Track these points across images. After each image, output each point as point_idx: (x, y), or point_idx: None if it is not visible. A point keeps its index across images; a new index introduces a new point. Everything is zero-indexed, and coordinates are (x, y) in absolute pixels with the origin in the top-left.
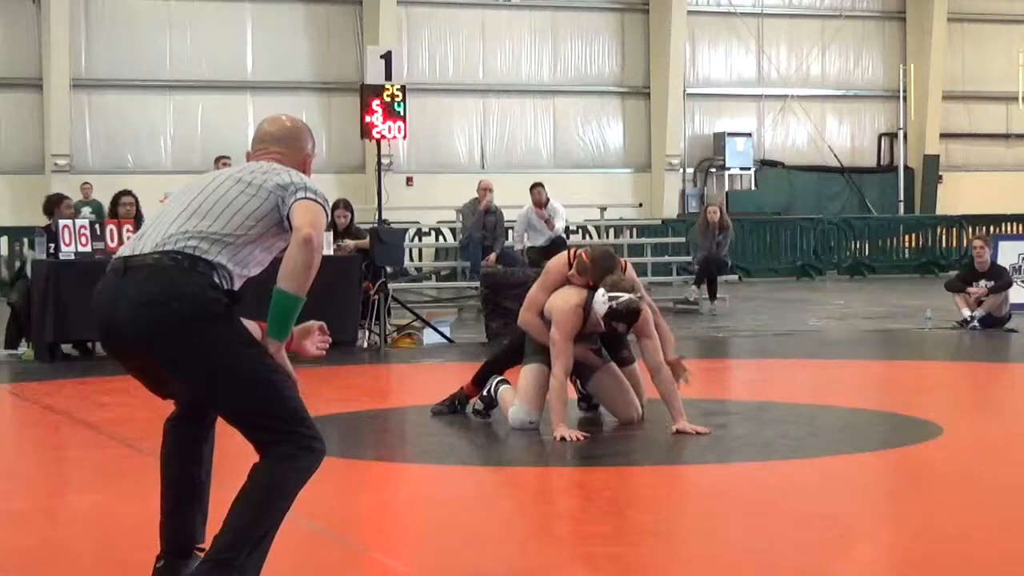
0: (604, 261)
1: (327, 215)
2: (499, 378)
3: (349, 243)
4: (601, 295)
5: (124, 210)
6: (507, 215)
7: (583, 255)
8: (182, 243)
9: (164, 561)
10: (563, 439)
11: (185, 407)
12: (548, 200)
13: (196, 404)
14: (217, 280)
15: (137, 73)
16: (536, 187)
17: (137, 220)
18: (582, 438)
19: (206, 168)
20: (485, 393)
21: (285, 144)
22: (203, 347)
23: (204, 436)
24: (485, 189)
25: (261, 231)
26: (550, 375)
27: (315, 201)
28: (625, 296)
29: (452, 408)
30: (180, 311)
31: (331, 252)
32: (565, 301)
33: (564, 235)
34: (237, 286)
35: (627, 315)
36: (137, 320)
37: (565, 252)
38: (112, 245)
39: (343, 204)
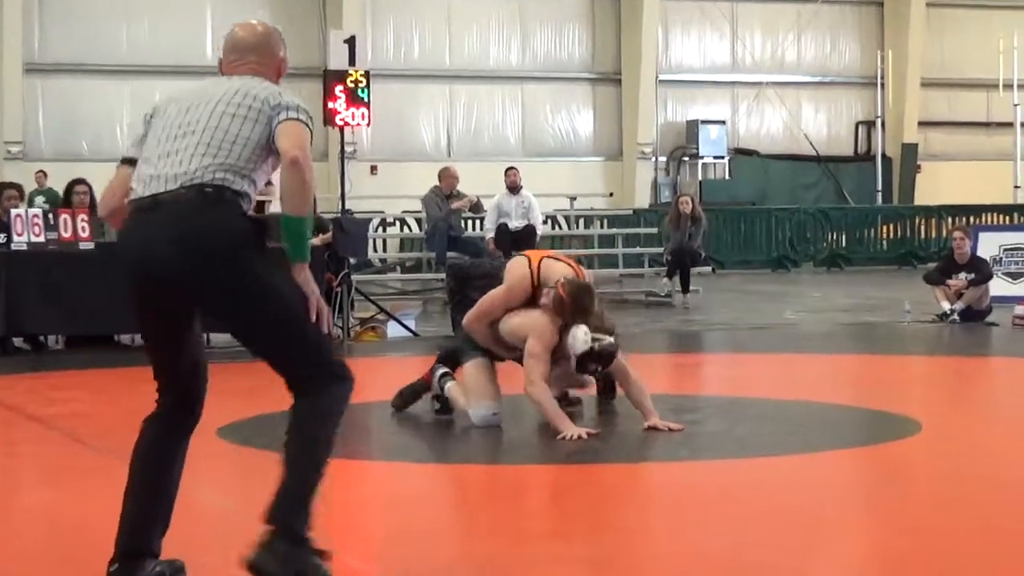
0: (582, 300)
1: (311, 132)
2: (443, 370)
3: (315, 240)
4: (583, 334)
5: (78, 199)
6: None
7: (559, 289)
8: (208, 175)
9: (118, 564)
10: (566, 437)
11: (169, 406)
12: (522, 186)
13: (183, 402)
14: (246, 209)
15: (93, 57)
16: (511, 170)
17: (92, 209)
18: (586, 435)
19: None
20: (438, 391)
21: (260, 53)
22: (241, 279)
23: (180, 440)
24: (451, 177)
25: (265, 156)
26: (493, 364)
27: (298, 120)
28: (607, 339)
29: (413, 397)
30: (218, 244)
31: None
32: (541, 321)
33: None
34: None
35: (605, 358)
36: (174, 257)
37: (526, 265)
38: (66, 235)
39: None
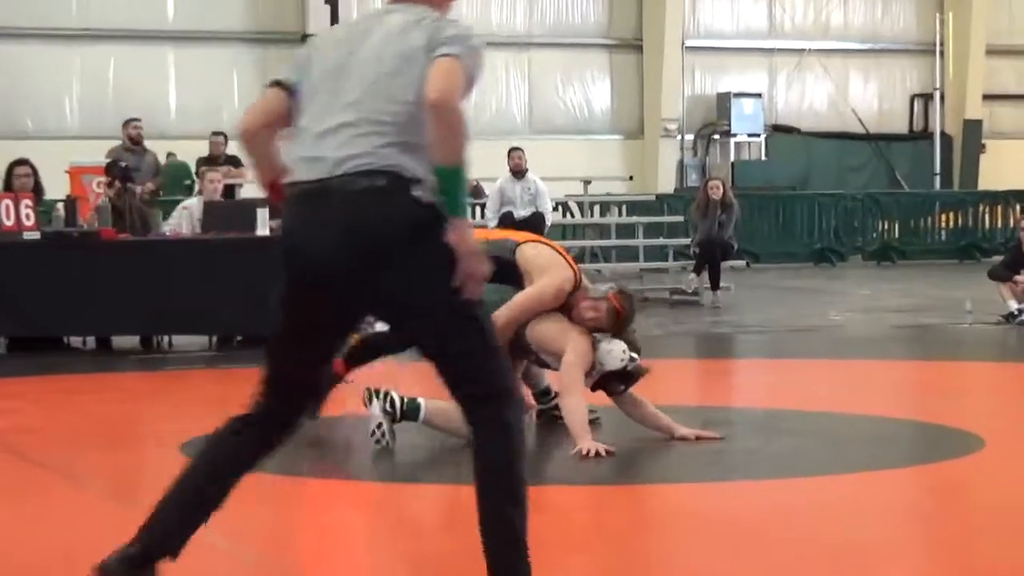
0: (633, 314)
1: (472, 67)
2: (399, 396)
3: None
4: (621, 351)
5: (19, 182)
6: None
7: (613, 301)
8: (375, 159)
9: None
10: (588, 454)
11: (267, 412)
12: (527, 169)
13: (286, 411)
14: (422, 195)
15: (37, 21)
16: (515, 151)
17: (37, 193)
18: (604, 452)
19: (118, 134)
20: (389, 409)
21: None
22: (424, 273)
23: (263, 454)
24: None
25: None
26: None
27: (450, 56)
28: (639, 360)
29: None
30: (394, 234)
31: (267, 232)
32: (578, 334)
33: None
34: None
35: (633, 380)
36: (343, 248)
37: (567, 266)
38: (8, 223)
39: None
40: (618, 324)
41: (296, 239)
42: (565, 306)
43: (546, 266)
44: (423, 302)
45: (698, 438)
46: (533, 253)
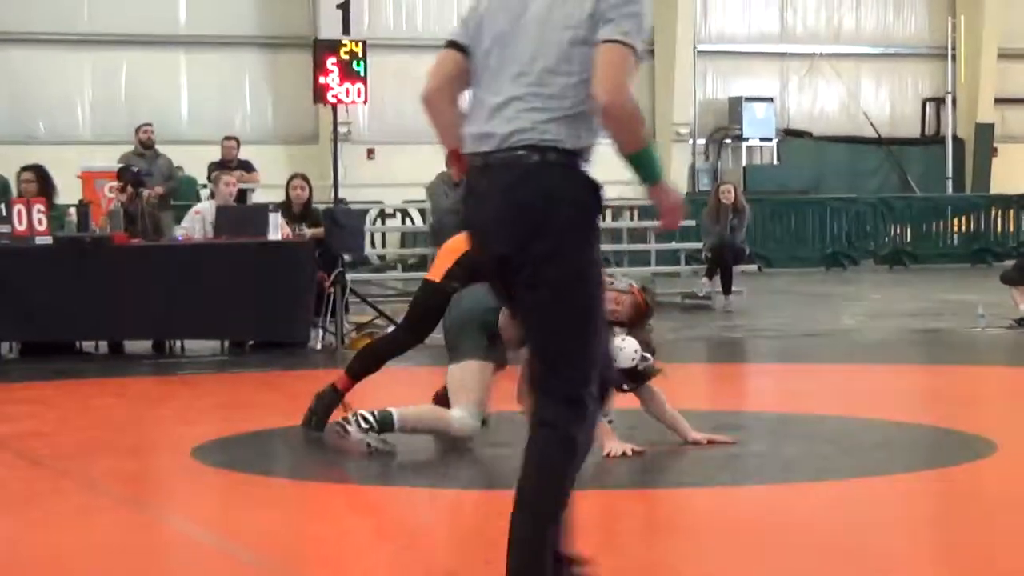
0: (652, 308)
1: (643, 28)
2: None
3: (307, 232)
4: (633, 351)
5: (24, 187)
6: None
7: (637, 295)
8: (536, 135)
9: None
10: (621, 454)
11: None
12: None
13: None
14: (587, 176)
15: (49, 26)
16: None
17: (49, 198)
18: (631, 452)
19: (131, 139)
20: (364, 425)
21: None
22: (570, 263)
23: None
24: None
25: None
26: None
27: (618, 43)
28: (651, 360)
29: (316, 420)
30: (551, 209)
31: (279, 237)
32: None
33: None
34: None
35: (645, 378)
36: (504, 223)
37: None
38: (20, 228)
39: (301, 177)
40: (638, 319)
41: (467, 213)
42: None
43: None
44: (555, 274)
45: (710, 442)
46: None
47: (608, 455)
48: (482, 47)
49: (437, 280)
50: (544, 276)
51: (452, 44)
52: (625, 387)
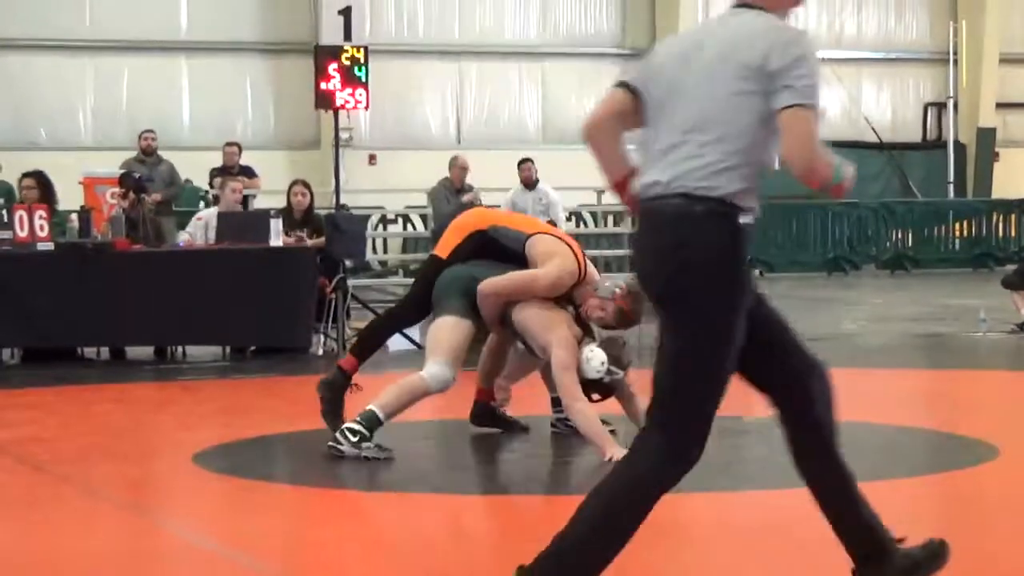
0: (639, 315)
1: (818, 82)
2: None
3: (308, 243)
4: (600, 363)
5: (25, 194)
6: (487, 200)
7: (621, 302)
8: (692, 181)
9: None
10: (614, 458)
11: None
12: (538, 180)
13: (786, 400)
14: (737, 225)
15: (51, 32)
16: (525, 163)
17: (51, 204)
18: None
19: (132, 145)
20: (354, 438)
21: None
22: (701, 312)
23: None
24: (461, 168)
25: (766, 136)
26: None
27: (802, 107)
28: (619, 375)
29: (332, 408)
30: (703, 258)
31: (280, 243)
32: (565, 332)
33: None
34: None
35: (605, 393)
36: (658, 269)
37: (573, 259)
38: (22, 235)
39: (302, 184)
40: (626, 324)
41: (636, 257)
42: (567, 297)
43: (548, 258)
44: (684, 320)
45: None
46: (541, 247)
47: (610, 459)
48: (655, 94)
49: (443, 256)
50: (674, 320)
51: (622, 84)
52: (593, 397)
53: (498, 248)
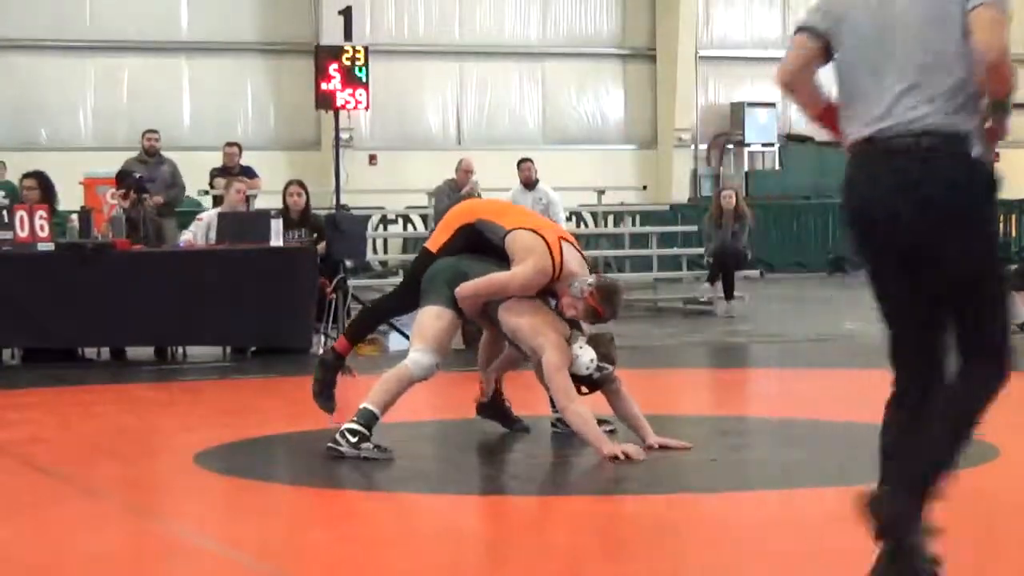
0: (616, 307)
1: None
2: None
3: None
4: (589, 360)
5: (26, 194)
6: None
7: (590, 300)
8: (930, 119)
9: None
10: (618, 457)
11: (902, 387)
12: (538, 180)
13: (926, 385)
14: (976, 154)
15: (51, 32)
16: (525, 162)
17: (51, 205)
18: (633, 454)
19: (132, 145)
20: (354, 440)
21: None
22: (973, 243)
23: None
24: (466, 171)
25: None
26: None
27: (989, 5)
28: (608, 369)
29: (324, 388)
30: (958, 198)
31: (280, 243)
32: (554, 333)
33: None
34: None
35: (598, 386)
36: (910, 213)
37: (547, 253)
38: (23, 235)
39: (297, 184)
40: (598, 320)
41: (853, 196)
42: (549, 291)
43: (525, 255)
44: (964, 253)
45: (662, 447)
46: (518, 244)
47: (608, 457)
48: (860, 32)
49: (434, 251)
50: (953, 256)
51: (805, 30)
52: (582, 390)
53: (486, 241)
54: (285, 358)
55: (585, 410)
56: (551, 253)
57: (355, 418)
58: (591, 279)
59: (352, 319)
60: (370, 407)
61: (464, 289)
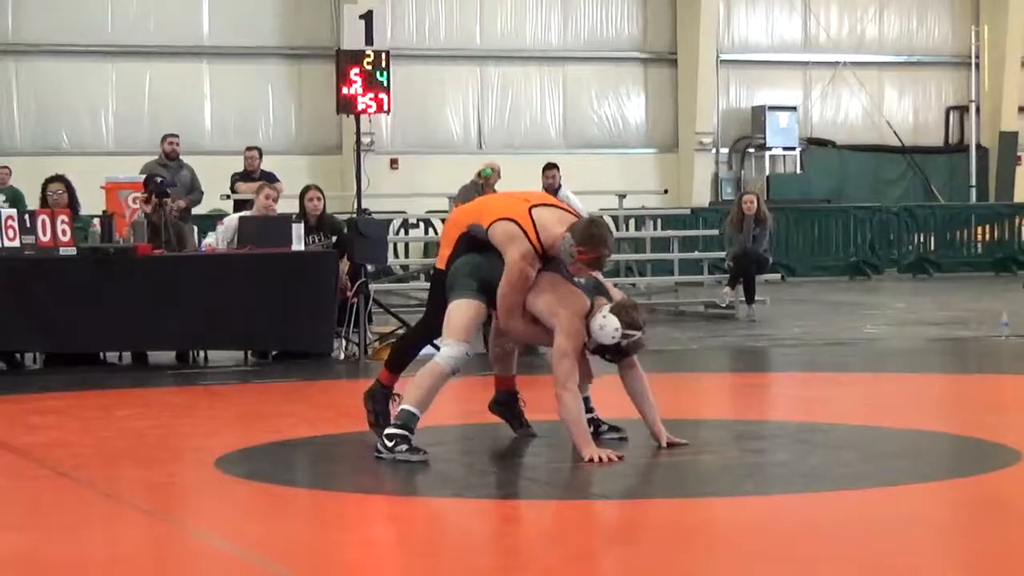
0: (603, 249)
1: None
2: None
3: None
4: (615, 328)
5: (53, 199)
6: None
7: (578, 255)
8: None
9: None
10: (593, 460)
11: None
12: (561, 186)
13: None
14: None
15: (74, 37)
16: (549, 168)
17: (73, 209)
18: (616, 458)
19: (154, 150)
20: (390, 444)
21: None
22: None
23: None
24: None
25: None
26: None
27: None
28: (636, 335)
29: (379, 418)
30: None
31: (301, 247)
32: (570, 315)
33: None
34: None
35: (628, 354)
36: None
37: (523, 236)
38: (45, 239)
39: (315, 188)
40: (599, 266)
41: None
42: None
43: (508, 243)
44: None
45: (670, 444)
46: (498, 236)
47: (590, 461)
48: None
49: (443, 268)
50: None
51: None
52: (608, 358)
53: (484, 242)
54: (306, 362)
55: (576, 403)
56: (528, 237)
57: (395, 421)
58: (570, 236)
59: (391, 351)
60: (409, 408)
61: (500, 313)
